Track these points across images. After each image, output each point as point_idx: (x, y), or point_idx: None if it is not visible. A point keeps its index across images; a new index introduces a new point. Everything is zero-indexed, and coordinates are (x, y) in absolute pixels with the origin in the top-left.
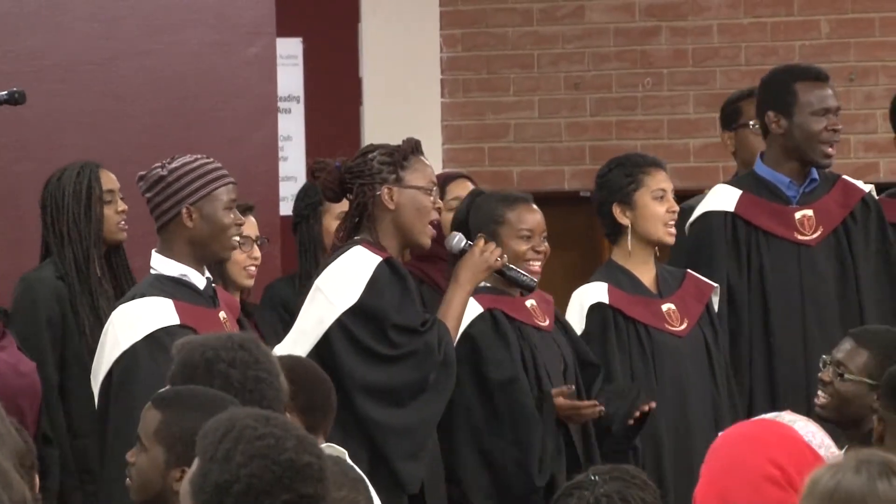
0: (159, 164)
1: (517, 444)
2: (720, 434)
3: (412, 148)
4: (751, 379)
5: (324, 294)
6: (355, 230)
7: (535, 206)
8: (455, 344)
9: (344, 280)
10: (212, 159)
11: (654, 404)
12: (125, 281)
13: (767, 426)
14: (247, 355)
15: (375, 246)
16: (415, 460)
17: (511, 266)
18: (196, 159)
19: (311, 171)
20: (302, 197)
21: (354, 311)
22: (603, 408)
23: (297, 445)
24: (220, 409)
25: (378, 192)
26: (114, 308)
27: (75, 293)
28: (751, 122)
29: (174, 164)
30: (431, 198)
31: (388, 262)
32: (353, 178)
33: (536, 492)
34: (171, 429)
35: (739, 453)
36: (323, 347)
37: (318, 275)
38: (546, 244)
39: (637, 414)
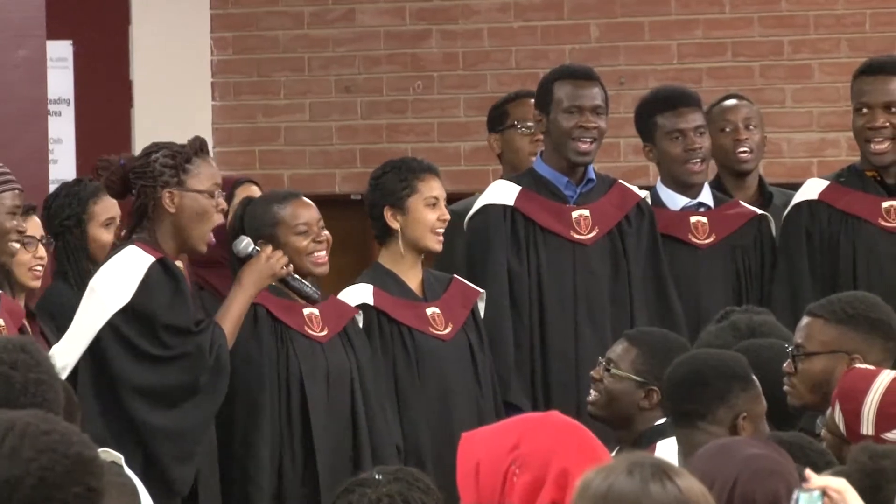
0: None
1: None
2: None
3: (197, 149)
4: (532, 376)
5: (97, 294)
6: (137, 229)
7: (307, 200)
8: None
9: (116, 280)
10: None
11: None
12: None
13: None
14: (28, 358)
15: (151, 246)
16: (185, 463)
17: (296, 276)
18: None
19: (95, 168)
20: (64, 207)
21: (126, 312)
22: None
23: (81, 441)
24: None
25: (159, 195)
26: None
27: None
28: (517, 123)
29: None
30: (213, 201)
31: (161, 263)
32: (136, 177)
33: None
34: None
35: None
36: (96, 348)
37: (93, 274)
38: (327, 233)
39: None
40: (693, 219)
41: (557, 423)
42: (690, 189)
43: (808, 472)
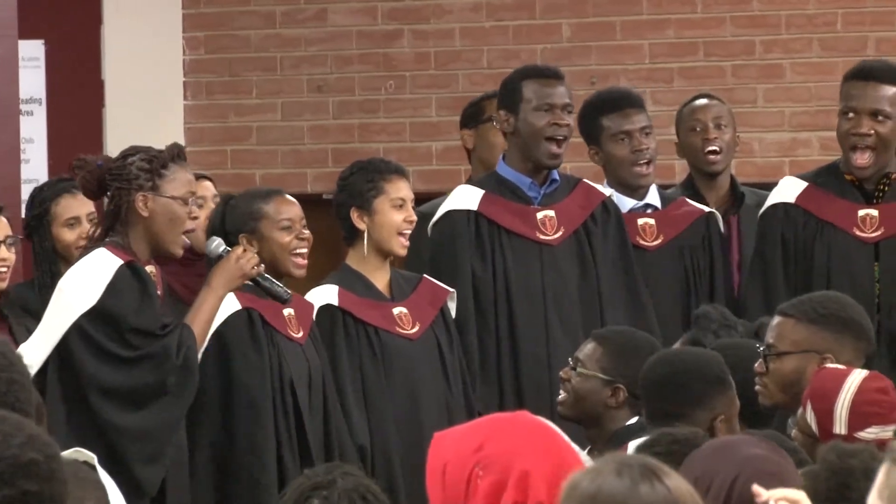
0: None
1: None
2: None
3: (174, 155)
4: (500, 379)
5: (64, 295)
6: (110, 231)
7: (290, 197)
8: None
9: (84, 282)
10: None
11: None
12: None
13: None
14: (1, 358)
15: (122, 249)
16: (153, 464)
17: (267, 276)
18: None
19: (71, 168)
20: (29, 207)
21: (93, 314)
22: None
23: (24, 443)
24: None
25: (133, 198)
26: None
27: None
28: (493, 118)
29: None
30: (187, 208)
31: (129, 266)
32: (111, 179)
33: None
34: None
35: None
36: (63, 349)
37: (62, 275)
38: (308, 232)
39: None
40: (640, 221)
41: (524, 424)
42: (637, 191)
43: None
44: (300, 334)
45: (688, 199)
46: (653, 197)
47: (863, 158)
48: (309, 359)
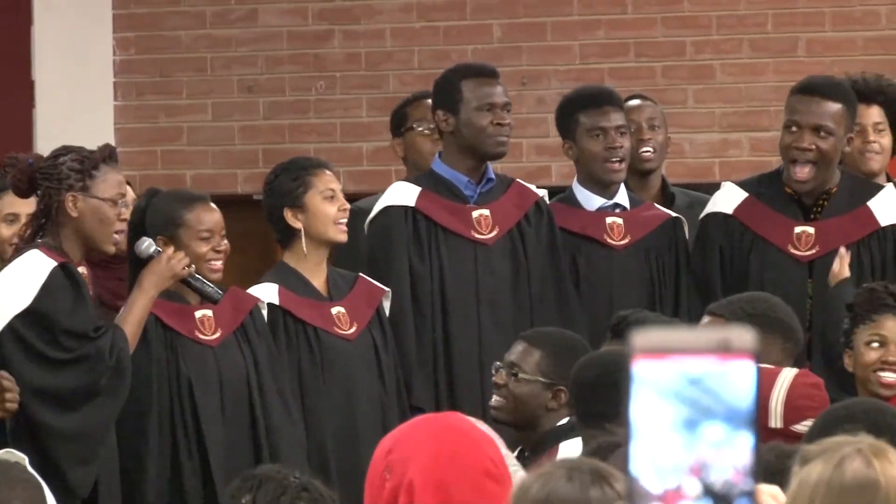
0: None
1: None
2: (413, 424)
3: (105, 156)
4: (435, 377)
5: None
6: (41, 231)
7: (212, 205)
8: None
9: (17, 284)
10: None
11: None
12: None
13: (467, 420)
14: None
15: (54, 250)
16: (85, 466)
17: (198, 276)
18: None
19: (2, 165)
20: None
21: (26, 315)
22: None
23: None
24: None
25: (63, 198)
26: None
27: None
28: (415, 125)
29: None
30: (117, 209)
31: (63, 268)
32: (42, 178)
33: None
34: None
35: (458, 445)
36: None
37: None
38: (226, 242)
39: None
40: (609, 219)
41: (431, 428)
42: (608, 189)
43: None
44: (214, 336)
45: (655, 204)
46: (622, 197)
47: (802, 172)
48: (220, 362)
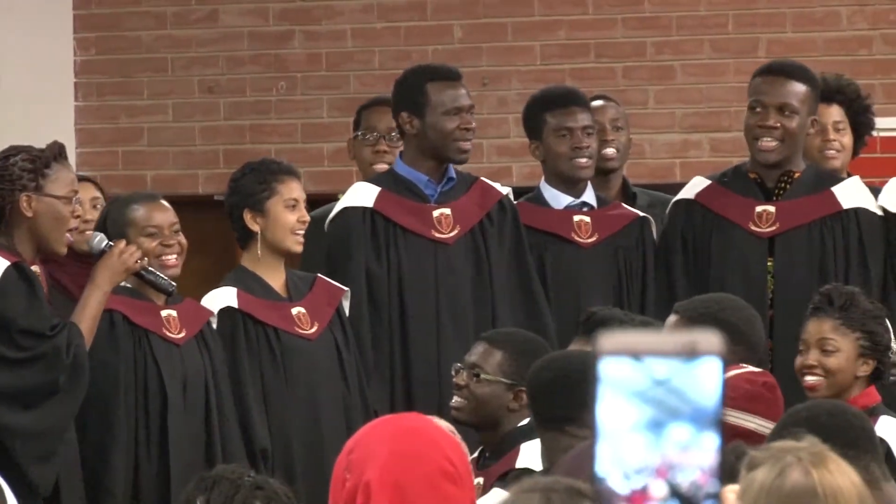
0: None
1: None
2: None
3: (56, 154)
4: (392, 377)
5: None
6: None
7: (164, 203)
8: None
9: None
10: None
11: None
12: None
13: (428, 421)
14: None
15: (7, 250)
16: (45, 463)
17: (150, 269)
18: None
19: None
20: None
21: None
22: None
23: None
24: None
25: (16, 198)
26: None
27: None
28: (361, 132)
29: None
30: (71, 207)
31: (16, 267)
32: None
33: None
34: None
35: (415, 446)
36: None
37: None
38: (181, 238)
39: None
40: (576, 218)
41: (390, 429)
42: (575, 187)
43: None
44: (180, 335)
45: (622, 203)
46: (589, 196)
47: (768, 144)
48: (186, 360)
